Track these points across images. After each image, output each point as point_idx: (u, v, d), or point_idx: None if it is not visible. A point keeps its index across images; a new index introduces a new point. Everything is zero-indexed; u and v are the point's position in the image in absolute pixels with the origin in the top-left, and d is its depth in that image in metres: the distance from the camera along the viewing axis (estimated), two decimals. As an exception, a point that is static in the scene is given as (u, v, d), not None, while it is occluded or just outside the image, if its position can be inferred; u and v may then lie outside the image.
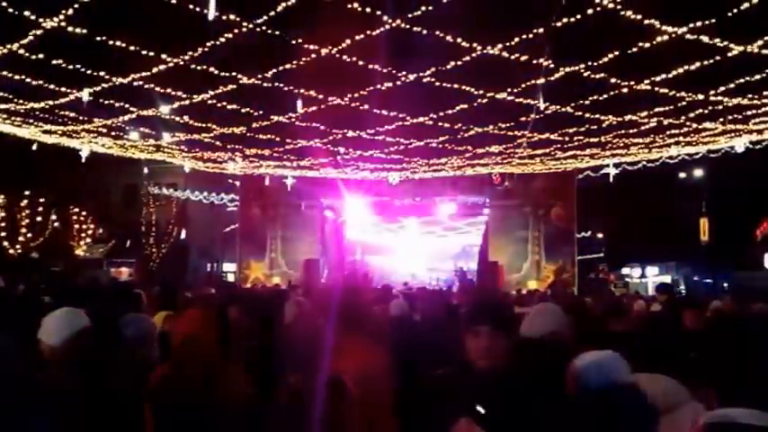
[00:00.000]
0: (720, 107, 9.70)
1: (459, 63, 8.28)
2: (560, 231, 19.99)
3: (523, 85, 9.06)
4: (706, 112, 9.98)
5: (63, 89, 8.78)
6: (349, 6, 6.87)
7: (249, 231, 22.15)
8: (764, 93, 9.02)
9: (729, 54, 7.63)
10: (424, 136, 12.66)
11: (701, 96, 9.18)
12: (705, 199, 23.87)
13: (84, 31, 7.02)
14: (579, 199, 19.99)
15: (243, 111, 10.33)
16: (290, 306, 4.73)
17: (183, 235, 30.31)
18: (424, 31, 7.29)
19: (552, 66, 8.28)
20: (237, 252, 22.71)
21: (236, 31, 7.06)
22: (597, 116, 10.43)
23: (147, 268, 28.66)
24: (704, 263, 23.21)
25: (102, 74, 8.23)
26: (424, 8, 6.81)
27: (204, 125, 11.50)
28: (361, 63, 8.21)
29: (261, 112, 10.59)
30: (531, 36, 7.49)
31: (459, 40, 7.67)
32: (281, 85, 8.97)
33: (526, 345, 2.86)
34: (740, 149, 12.68)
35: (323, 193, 21.02)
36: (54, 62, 7.86)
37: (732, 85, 8.77)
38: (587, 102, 9.73)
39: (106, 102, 9.43)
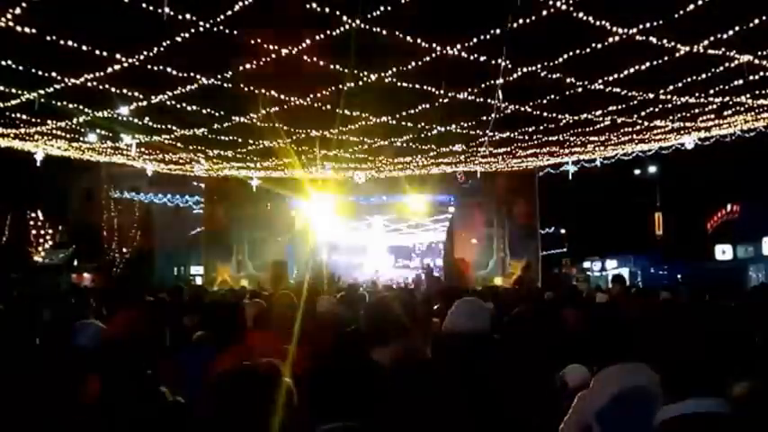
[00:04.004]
0: (669, 105, 10.04)
1: (419, 63, 8.37)
2: (524, 228, 20.36)
3: (483, 85, 9.20)
4: (656, 110, 10.31)
5: (13, 91, 8.54)
6: (307, 6, 6.87)
7: (215, 233, 21.88)
8: (710, 91, 9.37)
9: (677, 54, 7.89)
10: (387, 135, 12.73)
11: (651, 95, 9.48)
12: (659, 194, 24.72)
13: (34, 30, 6.85)
14: (542, 196, 20.41)
15: (203, 112, 10.22)
16: (249, 306, 4.77)
17: (147, 239, 29.77)
18: (384, 32, 7.34)
19: (510, 66, 8.43)
20: (203, 255, 22.42)
21: (192, 30, 6.99)
22: (554, 115, 10.67)
23: (110, 273, 28.07)
24: (659, 255, 23.97)
25: (53, 74, 8.04)
26: (383, 8, 6.85)
27: (164, 126, 11.33)
28: (321, 63, 8.22)
29: (222, 113, 10.49)
30: (488, 37, 7.62)
31: (418, 40, 7.74)
32: (242, 85, 8.91)
33: (449, 339, 2.91)
34: (690, 146, 13.15)
35: (289, 193, 20.93)
36: (2, 63, 7.64)
37: (680, 85, 9.08)
38: (545, 101, 9.94)
39: (59, 103, 9.20)
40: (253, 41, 7.49)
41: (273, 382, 1.70)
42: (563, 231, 27.35)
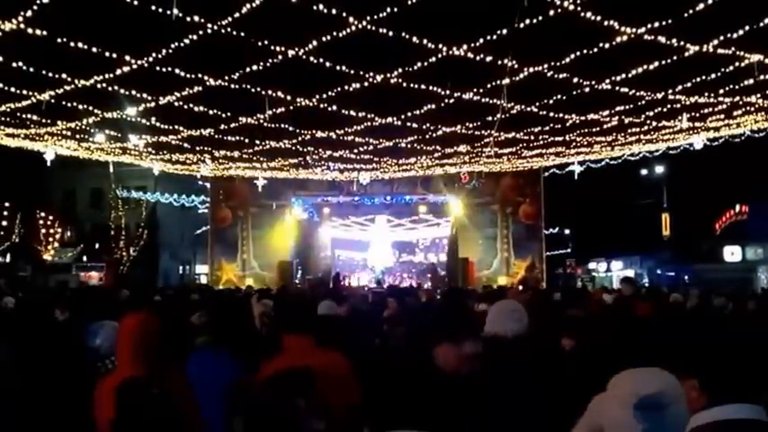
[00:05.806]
0: (678, 105, 9.99)
1: (425, 64, 8.35)
2: (528, 228, 20.33)
3: (489, 86, 9.17)
4: (665, 110, 10.26)
5: (24, 92, 8.60)
6: (314, 8, 6.87)
7: (220, 233, 21.98)
8: (720, 91, 9.31)
9: (686, 54, 7.84)
10: (392, 136, 12.73)
11: (659, 95, 9.44)
12: (666, 194, 24.63)
13: (44, 32, 6.90)
14: (546, 196, 20.36)
15: (210, 113, 10.25)
16: (257, 306, 4.80)
17: (153, 238, 29.93)
18: (390, 33, 7.34)
19: (516, 66, 8.41)
20: (209, 254, 22.52)
21: (200, 32, 7.01)
22: (561, 115, 10.63)
23: (117, 272, 28.23)
24: (666, 256, 23.88)
25: (63, 76, 8.09)
26: (389, 9, 6.85)
27: (171, 127, 11.37)
28: (328, 64, 8.22)
29: (228, 114, 10.51)
30: (495, 37, 7.60)
31: (425, 41, 7.73)
32: (248, 86, 8.93)
33: (497, 344, 2.90)
34: (698, 146, 13.06)
35: (294, 192, 20.97)
36: (14, 65, 7.69)
37: (689, 84, 9.03)
38: (551, 101, 9.90)
39: (69, 104, 9.26)
40: (261, 43, 7.49)
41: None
42: (567, 232, 27.26)
